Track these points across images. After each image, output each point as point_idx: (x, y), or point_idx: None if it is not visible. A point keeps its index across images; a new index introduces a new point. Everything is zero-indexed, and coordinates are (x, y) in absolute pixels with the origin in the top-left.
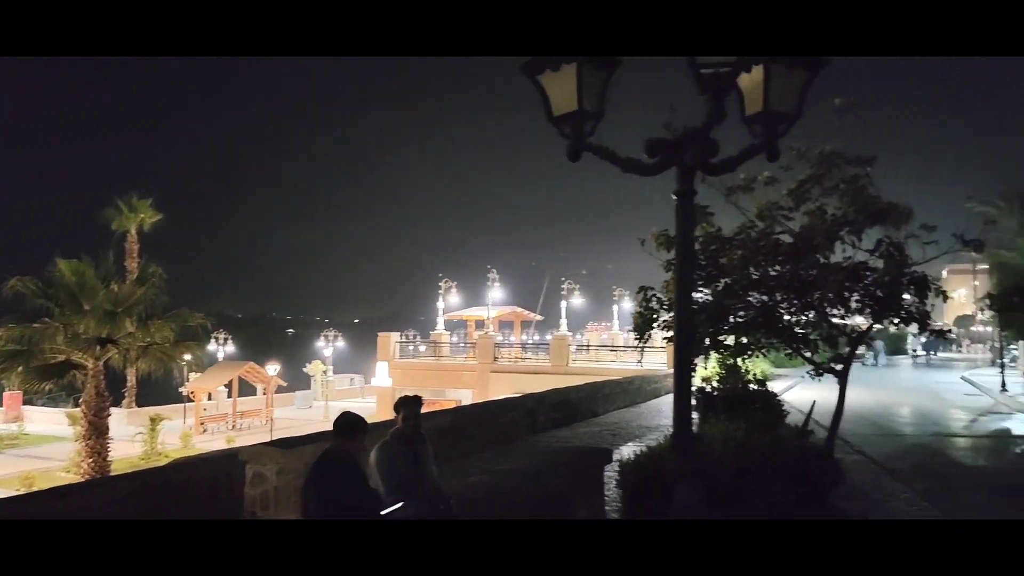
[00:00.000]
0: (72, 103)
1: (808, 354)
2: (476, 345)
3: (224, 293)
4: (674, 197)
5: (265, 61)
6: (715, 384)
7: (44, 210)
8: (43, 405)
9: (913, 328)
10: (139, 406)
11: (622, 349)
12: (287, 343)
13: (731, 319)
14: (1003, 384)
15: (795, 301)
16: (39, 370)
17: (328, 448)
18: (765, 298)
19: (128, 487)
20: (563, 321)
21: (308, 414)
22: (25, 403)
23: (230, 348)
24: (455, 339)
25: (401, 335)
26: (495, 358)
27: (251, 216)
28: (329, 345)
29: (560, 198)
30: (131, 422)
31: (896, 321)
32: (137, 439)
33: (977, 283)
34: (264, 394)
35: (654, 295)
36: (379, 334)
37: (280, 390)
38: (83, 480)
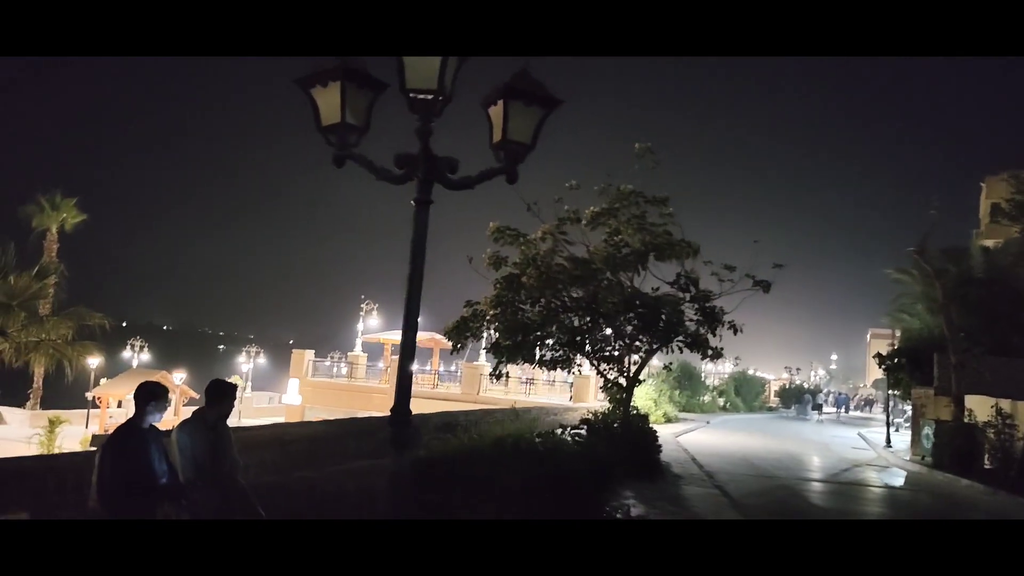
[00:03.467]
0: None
1: (605, 370)
2: (389, 369)
3: (156, 303)
4: (412, 203)
5: (202, 61)
6: (599, 415)
7: None
8: None
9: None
10: (43, 408)
11: (542, 382)
12: (217, 358)
13: (536, 335)
14: (888, 440)
15: (599, 323)
16: None
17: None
18: (576, 319)
19: None
20: (483, 351)
21: None
22: None
23: (145, 356)
24: (382, 364)
25: (323, 355)
26: None
27: (194, 228)
28: (250, 361)
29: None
30: (33, 424)
31: (681, 346)
32: (34, 440)
33: (895, 345)
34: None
35: (477, 308)
36: (294, 351)
37: (193, 403)
38: None
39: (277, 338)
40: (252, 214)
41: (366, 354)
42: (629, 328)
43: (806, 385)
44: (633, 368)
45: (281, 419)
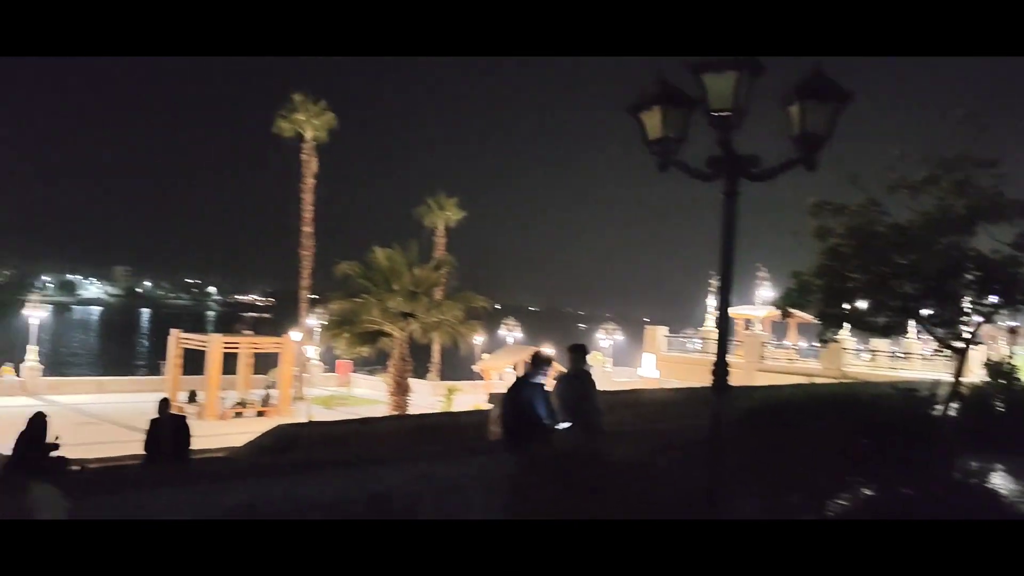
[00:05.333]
0: (391, 114)
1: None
2: (743, 343)
3: (524, 287)
4: (723, 195)
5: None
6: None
7: (367, 206)
8: (364, 373)
9: None
10: (442, 379)
11: (917, 356)
12: (577, 335)
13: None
14: None
15: (929, 287)
16: (360, 336)
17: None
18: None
19: (411, 423)
20: (847, 325)
21: None
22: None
23: (518, 334)
24: (734, 338)
25: (676, 331)
26: (762, 357)
27: (558, 217)
28: (609, 338)
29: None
30: (434, 392)
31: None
32: (436, 406)
33: None
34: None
35: (803, 278)
36: (646, 327)
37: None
38: (383, 415)
39: (634, 316)
40: (618, 201)
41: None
42: (963, 292)
43: None
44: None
45: None
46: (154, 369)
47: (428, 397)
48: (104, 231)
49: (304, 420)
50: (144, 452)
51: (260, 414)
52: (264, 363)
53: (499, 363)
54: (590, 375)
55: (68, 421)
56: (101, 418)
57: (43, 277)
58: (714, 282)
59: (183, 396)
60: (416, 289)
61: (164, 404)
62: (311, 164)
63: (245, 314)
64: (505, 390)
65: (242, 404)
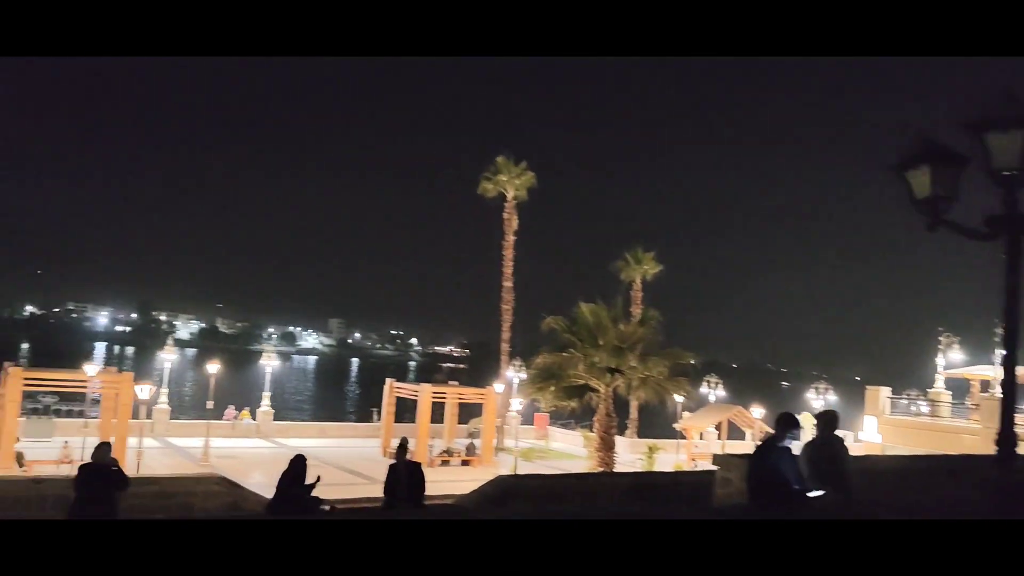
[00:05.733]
0: (606, 173)
1: None
2: (980, 407)
3: (723, 342)
4: (1004, 256)
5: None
6: None
7: (570, 262)
8: (559, 427)
9: None
10: (640, 437)
11: None
12: (779, 394)
13: None
14: None
15: None
16: (565, 390)
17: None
18: None
19: (627, 480)
20: None
21: None
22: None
23: (720, 392)
24: (969, 402)
25: (897, 391)
26: None
27: (756, 269)
28: (820, 398)
29: None
30: (632, 450)
31: None
32: (636, 464)
33: None
34: (752, 439)
35: None
36: (868, 388)
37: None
38: (599, 471)
39: (841, 375)
40: (810, 251)
41: (950, 391)
42: None
43: None
44: None
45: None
46: (364, 415)
47: (628, 454)
48: (321, 286)
49: (511, 472)
50: (384, 495)
51: (465, 463)
52: (464, 413)
53: (701, 422)
54: (842, 442)
55: None
56: (324, 461)
57: (269, 329)
58: (944, 339)
59: (394, 443)
60: (622, 344)
61: (402, 451)
62: (512, 222)
63: (443, 364)
64: (716, 450)
65: (448, 452)
